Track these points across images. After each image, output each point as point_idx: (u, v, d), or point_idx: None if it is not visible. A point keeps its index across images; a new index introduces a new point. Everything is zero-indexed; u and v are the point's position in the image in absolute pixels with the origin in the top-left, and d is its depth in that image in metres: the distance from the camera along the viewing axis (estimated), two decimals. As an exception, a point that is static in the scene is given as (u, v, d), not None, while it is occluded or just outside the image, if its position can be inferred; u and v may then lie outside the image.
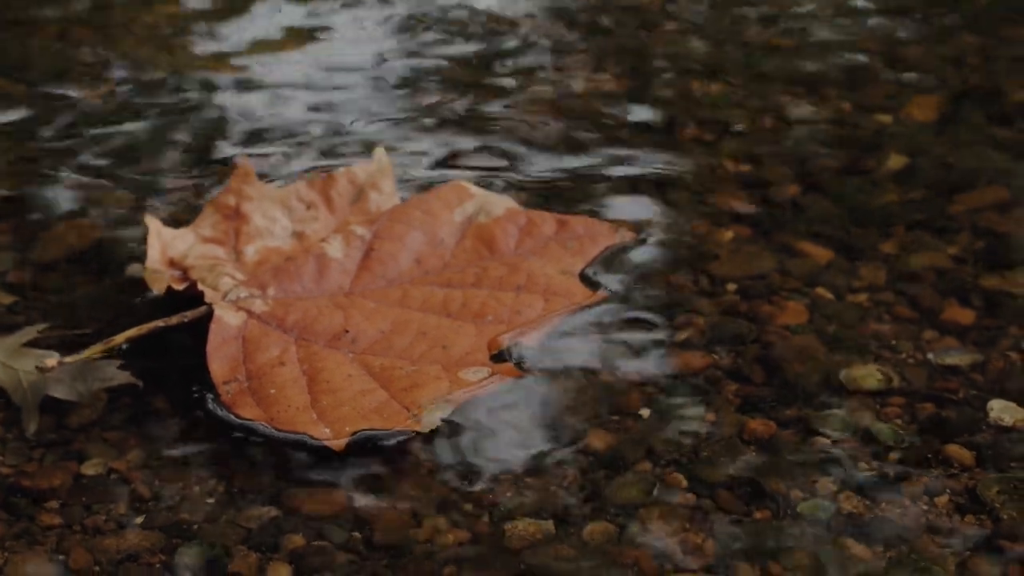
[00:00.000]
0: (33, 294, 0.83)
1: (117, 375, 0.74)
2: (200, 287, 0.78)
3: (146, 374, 0.75)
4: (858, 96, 1.03)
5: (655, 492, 0.68)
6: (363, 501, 0.68)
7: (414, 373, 0.74)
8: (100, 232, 0.88)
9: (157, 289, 0.80)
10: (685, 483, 0.68)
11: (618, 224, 0.86)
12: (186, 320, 0.77)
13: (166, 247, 0.83)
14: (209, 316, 0.77)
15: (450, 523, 0.66)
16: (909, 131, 0.98)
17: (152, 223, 0.84)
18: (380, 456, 0.70)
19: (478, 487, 0.68)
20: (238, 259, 0.83)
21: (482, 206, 0.85)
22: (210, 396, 0.73)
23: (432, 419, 0.70)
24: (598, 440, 0.71)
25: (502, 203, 0.86)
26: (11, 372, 0.75)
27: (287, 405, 0.72)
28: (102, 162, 0.97)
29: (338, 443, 0.69)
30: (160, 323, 0.77)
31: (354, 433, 0.70)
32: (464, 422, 0.72)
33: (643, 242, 0.86)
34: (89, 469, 0.70)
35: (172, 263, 0.82)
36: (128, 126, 1.02)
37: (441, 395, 0.72)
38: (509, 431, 0.72)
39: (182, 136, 1.00)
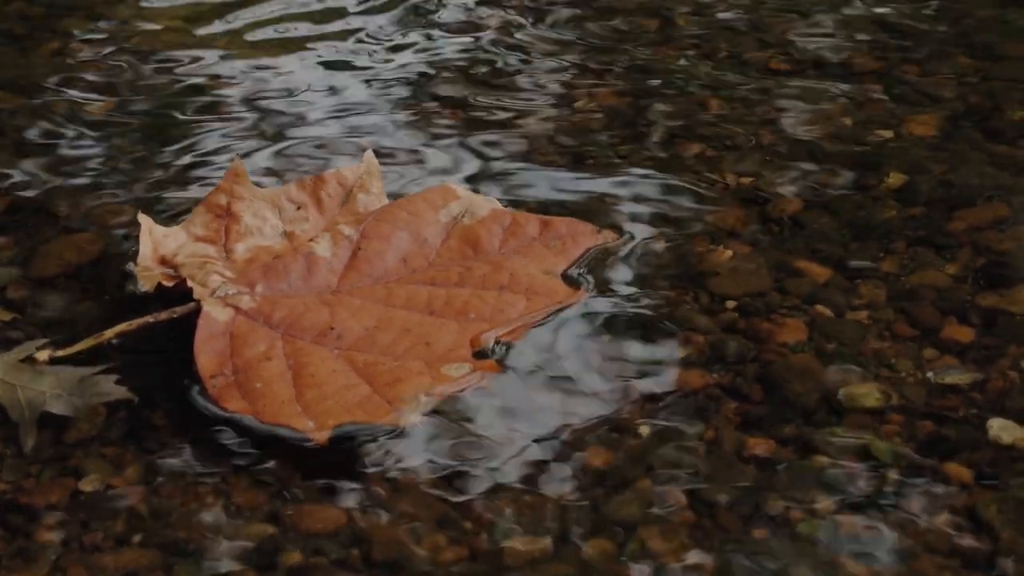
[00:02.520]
0: (32, 310, 0.83)
1: (115, 390, 0.75)
2: (189, 284, 0.79)
3: (136, 370, 0.76)
4: (858, 113, 1.03)
5: (654, 510, 0.68)
6: (361, 517, 0.68)
7: (397, 368, 0.75)
8: (99, 247, 0.88)
9: (148, 286, 0.81)
10: (684, 501, 0.68)
11: (601, 226, 0.87)
12: (175, 316, 0.79)
13: (158, 245, 0.84)
14: (198, 312, 0.78)
15: (449, 540, 0.66)
16: (909, 148, 0.98)
17: (144, 221, 0.85)
18: (379, 473, 0.70)
19: (477, 504, 0.68)
20: (228, 257, 0.84)
21: (467, 207, 0.86)
22: (197, 390, 0.74)
23: (414, 414, 0.72)
24: (597, 457, 0.71)
25: (487, 204, 0.87)
26: (9, 388, 0.75)
27: (272, 399, 0.73)
28: (102, 176, 0.97)
29: (321, 436, 0.70)
30: (149, 318, 0.79)
31: (337, 426, 0.71)
32: (461, 438, 0.72)
33: (643, 259, 0.86)
34: (87, 485, 0.70)
35: (163, 261, 0.83)
36: (128, 140, 1.02)
37: (423, 390, 0.73)
38: (507, 447, 0.72)
39: (183, 150, 1.00)
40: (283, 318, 0.78)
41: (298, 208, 0.87)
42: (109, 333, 0.78)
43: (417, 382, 0.74)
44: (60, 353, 0.77)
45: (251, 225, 0.86)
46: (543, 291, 0.81)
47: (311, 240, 0.84)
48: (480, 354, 0.77)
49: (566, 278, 0.83)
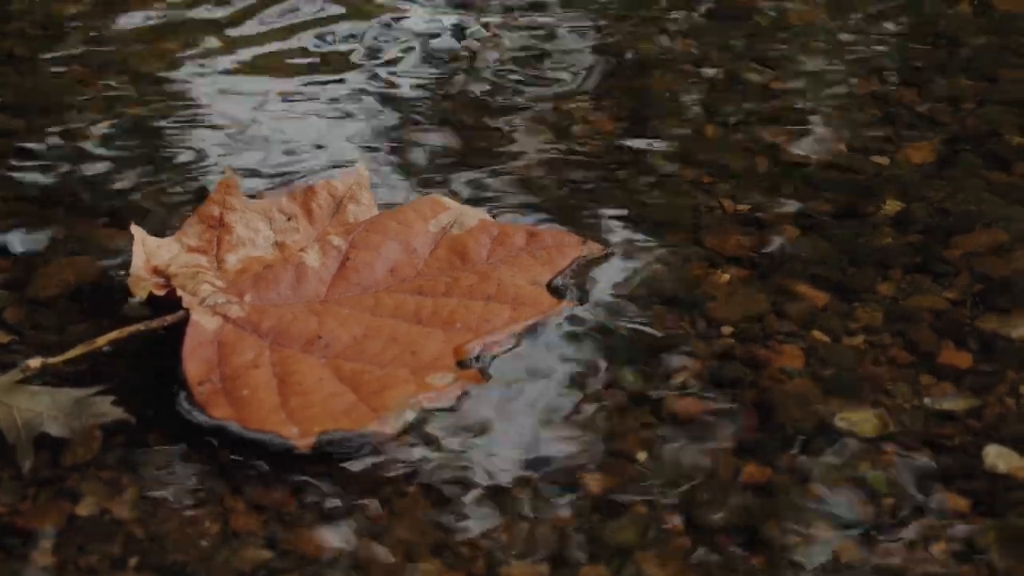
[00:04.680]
0: (30, 332, 0.83)
1: (111, 411, 0.75)
2: (179, 292, 0.80)
3: (126, 377, 0.78)
4: (855, 138, 1.03)
5: (651, 535, 0.68)
6: (358, 542, 0.68)
7: (383, 377, 0.76)
8: (98, 268, 0.88)
9: (140, 296, 0.82)
10: (681, 527, 0.68)
11: (587, 237, 0.88)
12: (166, 324, 0.80)
13: (151, 255, 0.85)
14: (188, 320, 0.79)
15: (445, 565, 0.66)
16: (906, 173, 0.98)
17: (137, 232, 0.86)
18: (375, 497, 0.70)
19: (473, 528, 0.68)
20: (220, 267, 0.85)
21: (456, 218, 0.88)
22: (184, 397, 0.75)
23: (397, 421, 0.73)
24: (593, 481, 0.71)
25: (476, 215, 0.88)
26: (6, 410, 0.75)
27: (258, 406, 0.74)
28: (101, 198, 0.97)
29: (305, 442, 0.71)
30: (140, 326, 0.80)
31: (321, 433, 0.72)
32: (456, 461, 0.72)
33: (640, 284, 0.86)
34: (83, 509, 0.70)
35: (156, 271, 0.84)
36: (127, 163, 1.02)
37: (408, 398, 0.74)
38: (503, 471, 0.72)
39: (181, 172, 1.00)
40: (271, 327, 0.79)
41: (289, 219, 0.88)
42: (100, 340, 0.79)
43: (402, 391, 0.75)
44: (52, 360, 0.78)
45: (243, 236, 0.87)
46: (529, 301, 0.82)
47: (301, 250, 0.85)
48: (465, 363, 0.77)
49: (552, 288, 0.84)
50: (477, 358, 0.78)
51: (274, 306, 0.81)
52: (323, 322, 0.80)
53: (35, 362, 0.77)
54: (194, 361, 0.76)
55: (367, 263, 0.84)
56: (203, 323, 0.79)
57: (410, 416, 0.73)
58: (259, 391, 0.75)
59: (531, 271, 0.85)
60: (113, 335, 0.79)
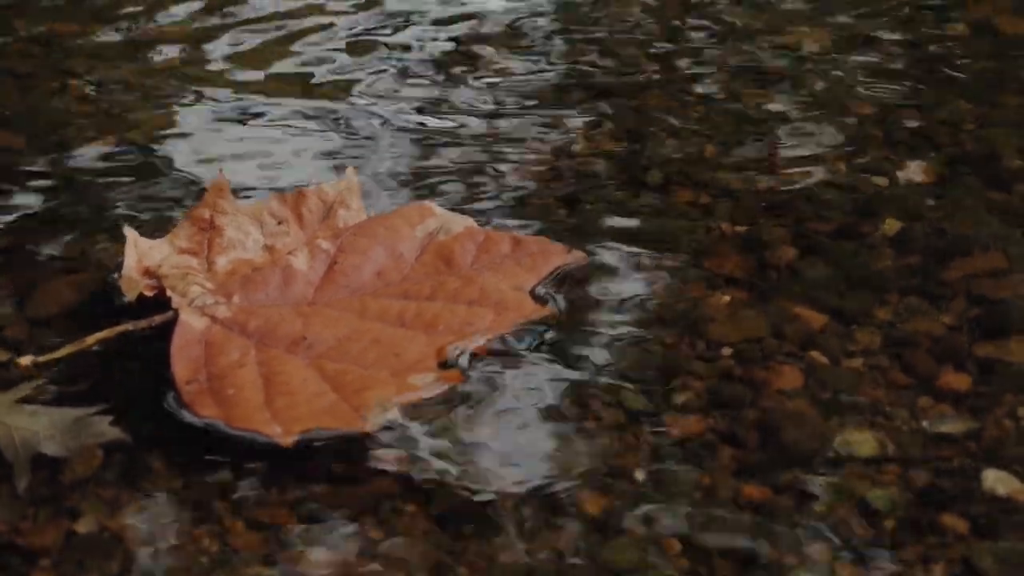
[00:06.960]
0: (29, 349, 0.83)
1: (108, 431, 0.75)
2: (168, 293, 0.82)
3: (115, 375, 0.79)
4: (854, 160, 1.03)
5: (649, 556, 0.68)
6: (357, 561, 0.68)
7: (365, 377, 0.76)
8: (98, 286, 0.88)
9: (130, 296, 0.84)
10: (679, 548, 0.68)
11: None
12: (153, 324, 0.81)
13: (143, 257, 0.86)
14: (176, 321, 0.80)
15: (444, 585, 0.66)
16: (905, 195, 0.98)
17: (129, 234, 0.87)
18: (375, 515, 0.70)
19: (471, 548, 0.68)
20: (210, 269, 0.86)
21: (443, 224, 0.89)
22: (172, 396, 0.76)
23: (378, 420, 0.73)
24: (591, 502, 0.71)
25: (462, 221, 0.90)
26: (4, 429, 0.75)
27: (244, 405, 0.74)
28: (101, 216, 0.97)
29: (287, 440, 0.72)
30: (129, 326, 0.81)
31: (303, 432, 0.72)
32: (454, 479, 0.72)
33: (640, 305, 0.86)
34: (82, 526, 0.70)
35: (147, 272, 0.85)
36: (128, 180, 1.02)
37: (389, 397, 0.75)
38: (500, 490, 0.72)
39: (184, 189, 1.00)
40: (258, 328, 0.80)
41: (279, 223, 0.90)
42: (90, 340, 0.80)
43: (384, 391, 0.75)
44: (42, 359, 0.79)
45: (233, 239, 0.88)
46: (512, 306, 0.83)
47: (289, 253, 0.86)
48: (446, 365, 0.78)
49: (535, 295, 0.85)
50: (460, 361, 0.79)
51: (261, 307, 0.83)
52: (309, 324, 0.81)
53: (26, 360, 0.79)
54: (181, 360, 0.77)
55: (354, 267, 0.86)
56: (191, 323, 0.80)
57: (391, 415, 0.74)
58: (244, 390, 0.76)
59: (515, 277, 0.86)
60: (102, 334, 0.80)
